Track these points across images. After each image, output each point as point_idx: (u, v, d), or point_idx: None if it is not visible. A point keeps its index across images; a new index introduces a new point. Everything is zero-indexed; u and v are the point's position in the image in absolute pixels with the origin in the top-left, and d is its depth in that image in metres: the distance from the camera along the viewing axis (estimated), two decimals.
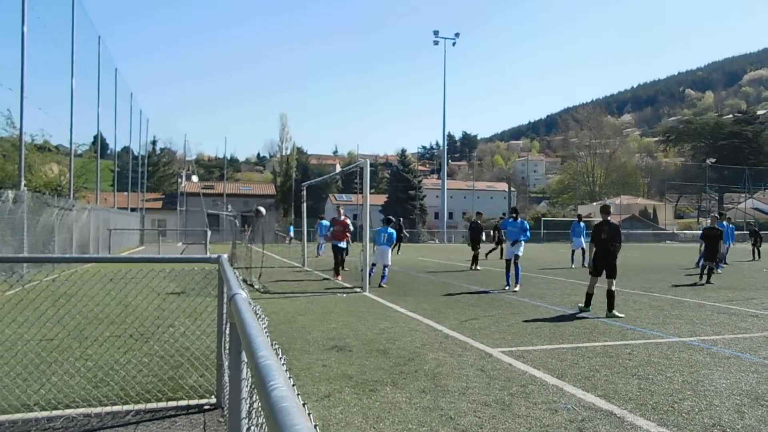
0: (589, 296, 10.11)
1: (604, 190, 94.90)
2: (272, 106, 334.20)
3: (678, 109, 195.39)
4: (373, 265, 14.06)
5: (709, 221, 15.81)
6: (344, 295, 12.38)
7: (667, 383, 5.51)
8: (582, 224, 21.11)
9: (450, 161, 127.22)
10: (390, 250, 14.60)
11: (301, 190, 22.08)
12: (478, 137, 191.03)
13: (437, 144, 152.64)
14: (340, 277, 15.29)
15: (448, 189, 61.78)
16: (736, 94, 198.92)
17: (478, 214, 21.36)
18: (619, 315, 9.59)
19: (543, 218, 55.75)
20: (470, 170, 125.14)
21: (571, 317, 9.50)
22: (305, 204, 21.67)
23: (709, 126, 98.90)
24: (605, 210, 10.48)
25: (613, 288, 9.79)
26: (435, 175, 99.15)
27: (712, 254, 15.16)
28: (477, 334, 7.88)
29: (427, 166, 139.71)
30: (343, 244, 15.47)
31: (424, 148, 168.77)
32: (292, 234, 46.12)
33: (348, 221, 16.24)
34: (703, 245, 15.53)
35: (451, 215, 61.48)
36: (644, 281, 15.23)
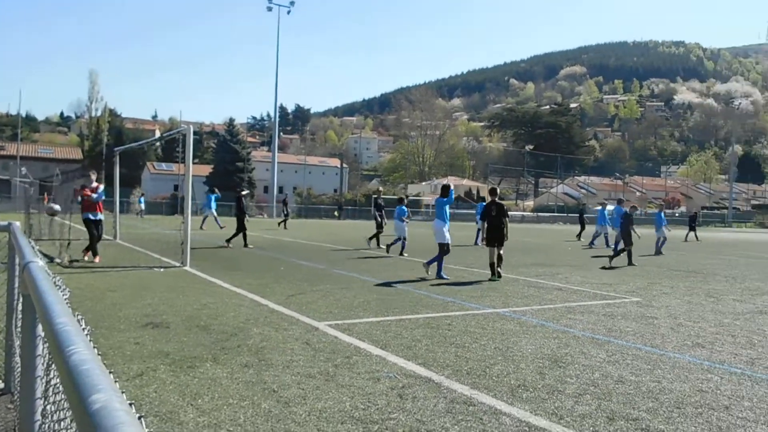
0: (492, 265, 11.62)
1: (434, 171, 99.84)
2: (81, 63, 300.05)
3: (503, 97, 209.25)
4: (397, 239, 16.76)
5: (628, 208, 16.65)
6: (162, 270, 11.63)
7: (480, 350, 5.93)
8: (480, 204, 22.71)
9: (282, 134, 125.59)
10: (405, 225, 16.80)
11: (113, 156, 20.24)
12: (312, 111, 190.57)
13: (268, 115, 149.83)
14: (98, 258, 12.59)
15: (279, 162, 60.94)
16: (553, 87, 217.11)
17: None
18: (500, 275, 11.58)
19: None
20: (302, 144, 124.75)
21: (398, 291, 9.87)
22: (118, 171, 19.92)
23: (529, 115, 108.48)
24: (493, 192, 12.39)
25: (502, 252, 11.73)
26: (265, 148, 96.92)
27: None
28: (304, 309, 7.84)
29: (258, 137, 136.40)
30: (100, 216, 12.80)
31: (254, 118, 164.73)
32: (143, 205, 42.40)
33: (101, 187, 13.19)
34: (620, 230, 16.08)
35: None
36: (466, 258, 16.28)
